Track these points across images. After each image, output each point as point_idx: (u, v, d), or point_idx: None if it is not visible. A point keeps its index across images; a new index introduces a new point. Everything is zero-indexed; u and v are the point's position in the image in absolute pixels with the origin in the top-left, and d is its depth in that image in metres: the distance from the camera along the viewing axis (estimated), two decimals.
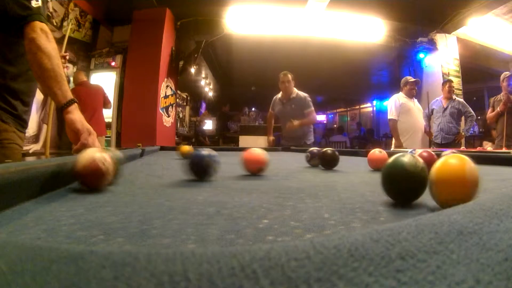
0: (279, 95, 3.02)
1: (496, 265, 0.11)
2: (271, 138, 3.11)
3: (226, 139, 7.04)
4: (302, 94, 2.91)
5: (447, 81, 3.48)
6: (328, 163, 1.05)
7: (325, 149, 1.07)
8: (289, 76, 2.89)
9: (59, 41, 3.10)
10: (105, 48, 4.50)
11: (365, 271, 0.10)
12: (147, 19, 4.35)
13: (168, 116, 4.75)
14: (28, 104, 1.15)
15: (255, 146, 1.08)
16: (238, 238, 0.31)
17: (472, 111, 3.30)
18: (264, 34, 4.81)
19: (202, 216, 0.40)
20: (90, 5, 4.22)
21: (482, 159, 1.29)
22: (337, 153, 1.05)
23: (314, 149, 1.18)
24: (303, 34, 4.84)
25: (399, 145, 2.98)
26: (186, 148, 1.53)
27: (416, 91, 3.18)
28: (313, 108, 2.91)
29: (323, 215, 0.40)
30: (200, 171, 0.71)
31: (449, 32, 5.11)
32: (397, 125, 3.03)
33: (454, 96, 3.39)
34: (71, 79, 3.47)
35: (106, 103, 3.57)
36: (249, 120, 7.00)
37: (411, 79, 3.18)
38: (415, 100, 3.20)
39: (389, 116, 3.09)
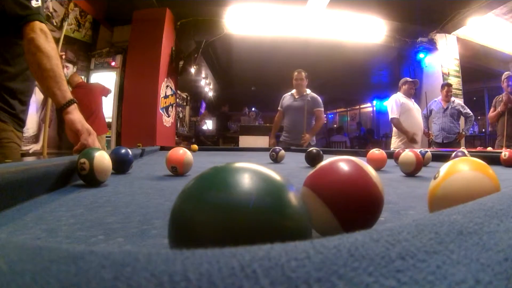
0: (290, 92, 3.03)
1: (496, 265, 0.11)
2: (273, 141, 3.09)
3: (226, 139, 7.03)
4: (315, 94, 2.97)
5: (445, 85, 3.45)
6: (312, 160, 1.24)
7: (310, 149, 1.27)
8: (303, 74, 2.94)
9: (59, 41, 3.10)
10: (105, 48, 4.50)
11: (365, 271, 0.10)
12: (147, 19, 4.35)
13: (168, 116, 4.75)
14: (25, 104, 1.15)
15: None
16: None
17: (471, 112, 3.32)
18: (264, 34, 4.81)
19: None
20: (90, 5, 4.22)
21: (482, 159, 1.29)
22: (321, 152, 1.23)
23: (277, 148, 1.47)
24: (303, 34, 4.84)
25: (411, 138, 2.92)
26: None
27: (414, 91, 3.18)
28: (323, 109, 2.98)
29: None
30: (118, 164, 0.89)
31: (449, 32, 5.11)
32: (400, 122, 3.01)
33: (452, 99, 3.40)
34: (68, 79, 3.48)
35: (105, 93, 3.59)
36: (249, 120, 6.99)
37: (410, 79, 3.19)
38: (413, 100, 3.20)
39: (391, 116, 3.06)
